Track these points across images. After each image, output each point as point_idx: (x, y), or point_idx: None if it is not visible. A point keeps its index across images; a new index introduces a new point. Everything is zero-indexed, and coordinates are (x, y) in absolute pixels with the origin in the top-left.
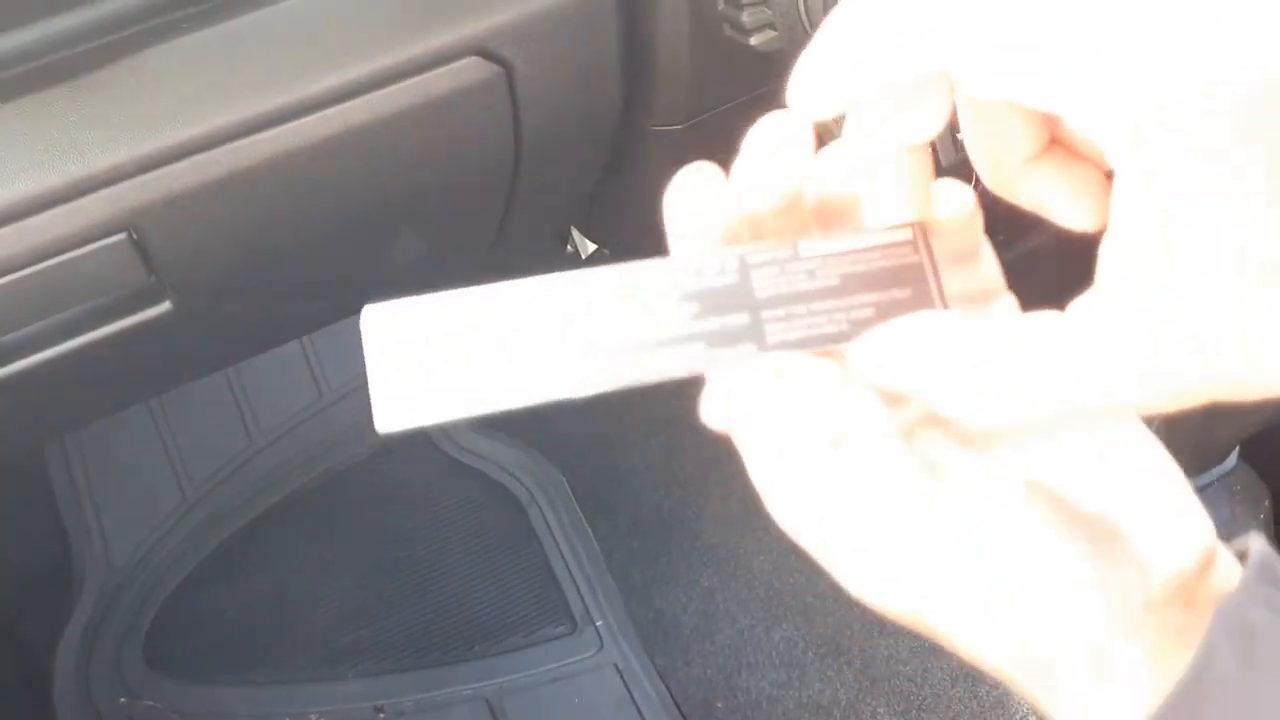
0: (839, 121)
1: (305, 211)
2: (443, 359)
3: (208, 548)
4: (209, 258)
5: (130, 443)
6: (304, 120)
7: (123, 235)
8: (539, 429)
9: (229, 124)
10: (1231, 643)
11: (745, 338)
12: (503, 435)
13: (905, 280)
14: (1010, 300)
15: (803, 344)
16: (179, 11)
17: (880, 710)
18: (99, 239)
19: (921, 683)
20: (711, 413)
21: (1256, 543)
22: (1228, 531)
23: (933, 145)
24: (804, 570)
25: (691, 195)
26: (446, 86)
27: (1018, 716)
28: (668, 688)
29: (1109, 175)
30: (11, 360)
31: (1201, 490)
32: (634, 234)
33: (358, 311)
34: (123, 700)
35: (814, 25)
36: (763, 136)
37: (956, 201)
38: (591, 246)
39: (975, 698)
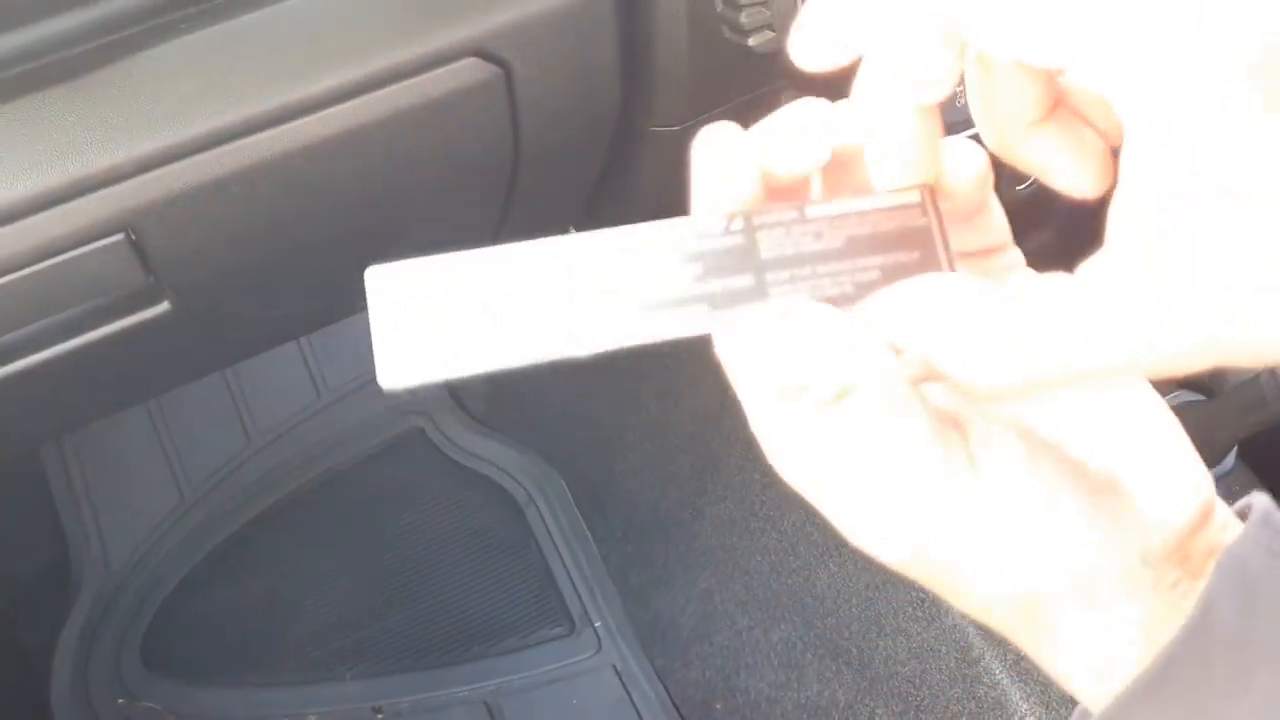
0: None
1: (303, 212)
2: (446, 317)
3: (206, 549)
4: (207, 258)
5: (128, 444)
6: (302, 121)
7: (121, 235)
8: (537, 430)
9: (227, 124)
10: (1233, 590)
11: (749, 299)
12: (501, 436)
13: (912, 243)
14: (1016, 254)
15: None
16: (177, 12)
17: (879, 711)
18: (97, 239)
19: (920, 684)
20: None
21: (1259, 497)
22: None
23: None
24: (802, 571)
25: (717, 150)
26: (445, 87)
27: (1016, 717)
28: (666, 689)
29: (1113, 146)
30: (9, 361)
31: None
32: None
33: (356, 312)
34: (121, 701)
35: None
36: (795, 114)
37: (970, 162)
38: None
39: (974, 698)
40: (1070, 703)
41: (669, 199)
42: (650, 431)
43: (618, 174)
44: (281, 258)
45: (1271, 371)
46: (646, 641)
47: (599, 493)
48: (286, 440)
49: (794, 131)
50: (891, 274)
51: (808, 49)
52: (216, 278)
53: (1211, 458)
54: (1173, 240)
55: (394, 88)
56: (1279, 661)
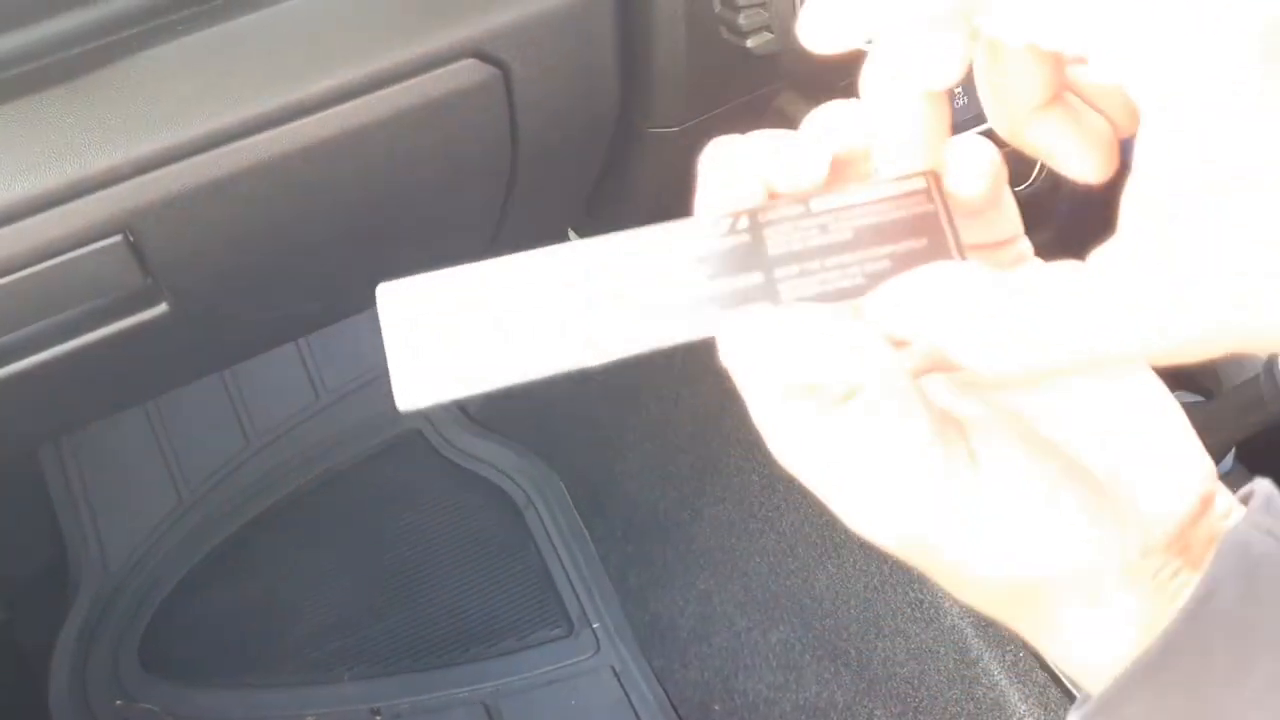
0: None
1: (302, 213)
2: (460, 333)
3: (204, 550)
4: (205, 260)
5: (126, 445)
6: (301, 122)
7: (119, 237)
8: (536, 432)
9: (226, 126)
10: (1234, 573)
11: (759, 297)
12: (499, 438)
13: (920, 230)
14: (1026, 245)
15: (818, 300)
16: (176, 13)
17: (877, 712)
18: (95, 240)
19: (919, 685)
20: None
21: (1262, 483)
22: None
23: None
24: (801, 573)
25: (724, 166)
26: (443, 88)
27: (1014, 718)
28: (664, 690)
29: (1120, 132)
30: (8, 362)
31: None
32: None
33: (354, 314)
34: (119, 703)
35: None
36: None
37: (983, 158)
38: None
39: (972, 699)
40: (1069, 702)
41: (668, 200)
42: (649, 432)
43: (616, 174)
44: (279, 259)
45: (1270, 372)
46: (645, 643)
47: (598, 494)
48: (285, 442)
49: (798, 146)
50: (901, 262)
51: (818, 32)
52: (215, 279)
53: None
54: (1184, 226)
55: (392, 89)
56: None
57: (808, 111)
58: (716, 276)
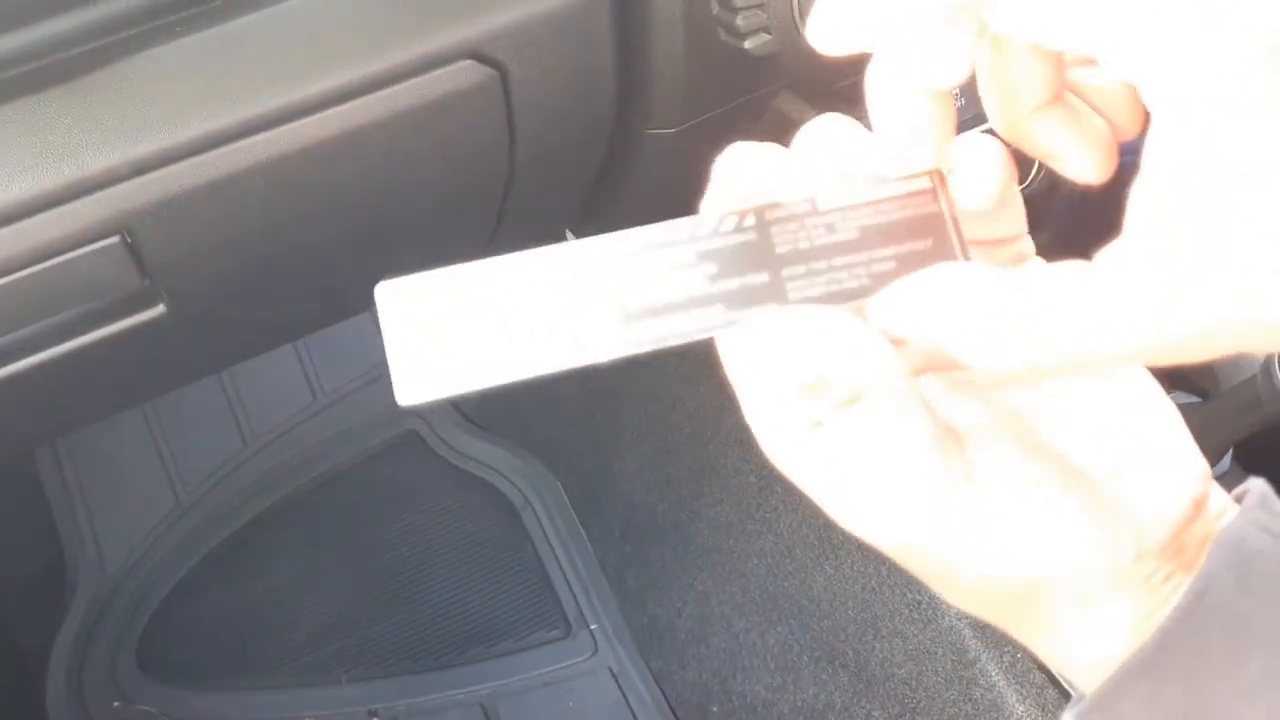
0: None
1: (299, 215)
2: (460, 330)
3: (201, 552)
4: (203, 261)
5: (123, 447)
6: (299, 123)
7: (117, 238)
8: (533, 432)
9: (224, 127)
10: (1229, 568)
11: (766, 296)
12: (497, 438)
13: (925, 230)
14: (1028, 242)
15: (825, 300)
16: (174, 14)
17: (875, 713)
18: (93, 242)
19: (916, 686)
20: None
21: (1256, 481)
22: None
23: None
24: (799, 574)
25: (737, 176)
26: (441, 90)
27: (1012, 719)
28: (662, 692)
29: (1120, 133)
30: (5, 363)
31: None
32: None
33: (352, 315)
34: (116, 705)
35: None
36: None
37: (992, 157)
38: None
39: (970, 700)
40: (1067, 703)
41: (666, 200)
42: (647, 433)
43: (614, 176)
44: (277, 260)
45: (1267, 373)
46: (643, 644)
47: (595, 495)
48: (282, 443)
49: (812, 160)
50: (906, 263)
51: (827, 34)
52: (213, 280)
53: (1206, 460)
54: (1189, 222)
55: (389, 90)
56: (1275, 640)
57: (806, 112)
58: (722, 275)
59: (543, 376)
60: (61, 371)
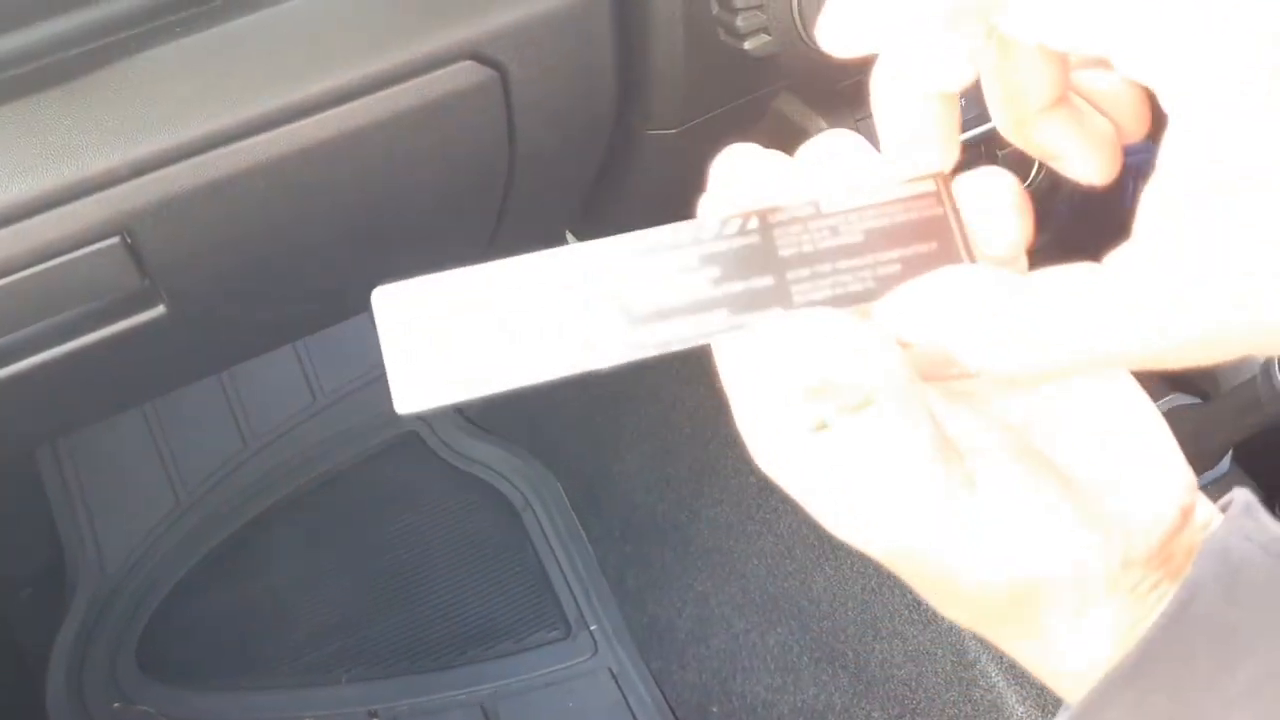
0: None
1: (299, 215)
2: (459, 337)
3: (201, 552)
4: (203, 261)
5: (123, 447)
6: (298, 124)
7: (117, 239)
8: (533, 434)
9: (224, 127)
10: (1215, 577)
11: (770, 300)
12: (497, 439)
13: (930, 233)
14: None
15: (830, 303)
16: (173, 15)
17: (875, 714)
18: (93, 242)
19: (916, 687)
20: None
21: (1240, 491)
22: None
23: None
24: (799, 574)
25: (735, 176)
26: (441, 90)
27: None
28: (662, 692)
29: (1124, 136)
30: (5, 364)
31: None
32: None
33: (352, 315)
34: (116, 705)
35: (808, 29)
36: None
37: (1007, 193)
38: None
39: (969, 701)
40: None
41: (665, 201)
42: (647, 434)
43: (614, 176)
44: (277, 261)
45: (1267, 374)
46: (643, 644)
47: (595, 495)
48: (281, 443)
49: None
50: (911, 266)
51: (837, 36)
52: (212, 281)
53: (1206, 461)
54: (1192, 225)
55: (389, 91)
56: (1261, 649)
57: (807, 113)
58: (726, 278)
59: (543, 384)
60: (62, 372)
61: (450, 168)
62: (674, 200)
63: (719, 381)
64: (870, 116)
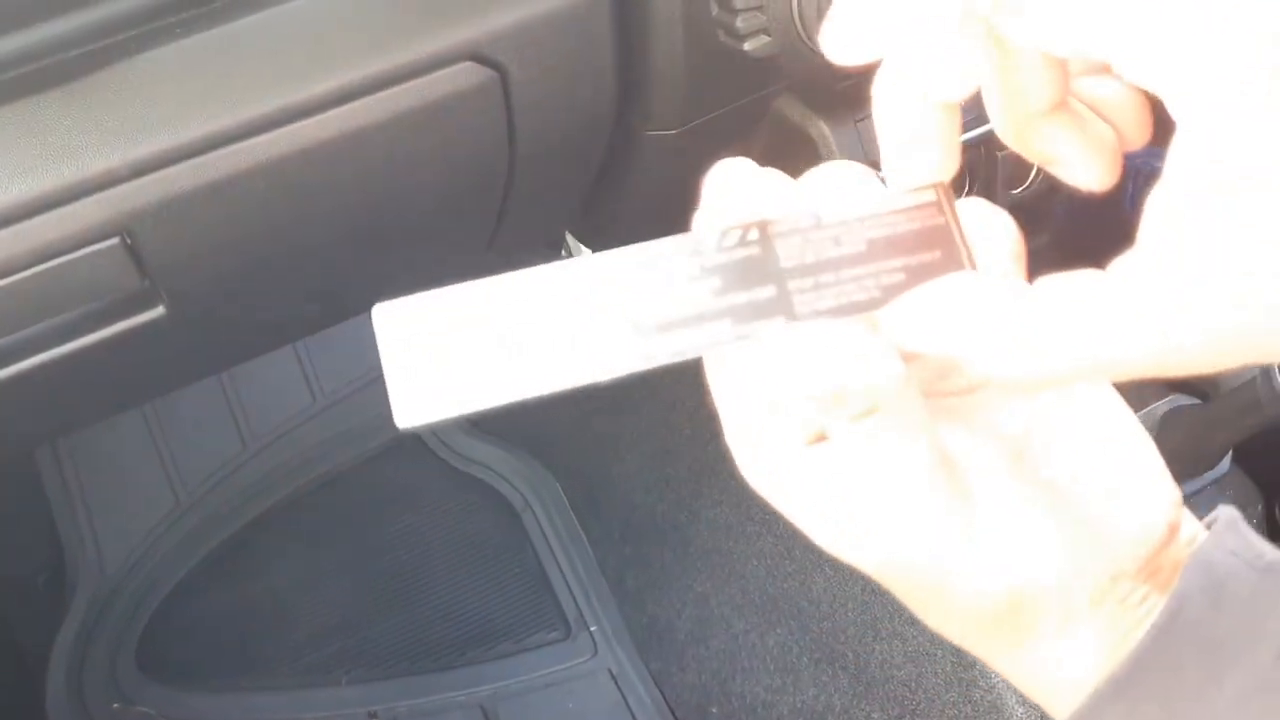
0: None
1: (299, 216)
2: (459, 350)
3: (200, 553)
4: (203, 262)
5: (123, 448)
6: (298, 125)
7: (117, 239)
8: (533, 434)
9: (223, 128)
10: (1201, 591)
11: (773, 310)
12: (497, 440)
13: (933, 242)
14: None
15: (834, 313)
16: (174, 16)
17: (874, 715)
18: (93, 243)
19: (915, 688)
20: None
21: (1224, 509)
22: None
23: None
24: (798, 575)
25: (729, 191)
26: (441, 91)
27: None
28: (662, 693)
29: (1125, 142)
30: (6, 364)
31: (1196, 494)
32: (629, 238)
33: (351, 316)
34: (116, 706)
35: (808, 30)
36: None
37: (1005, 234)
38: (586, 252)
39: (969, 702)
40: None
41: (665, 202)
42: (647, 435)
43: (613, 177)
44: (277, 262)
45: (1266, 375)
46: (642, 645)
47: (595, 496)
48: (281, 444)
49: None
50: (915, 275)
51: (842, 43)
52: (212, 281)
53: (1206, 461)
54: (1194, 227)
55: (389, 91)
56: (1247, 661)
57: (806, 114)
58: (727, 290)
59: (545, 396)
60: (62, 372)
61: (450, 168)
62: (674, 201)
63: None
64: (870, 117)
